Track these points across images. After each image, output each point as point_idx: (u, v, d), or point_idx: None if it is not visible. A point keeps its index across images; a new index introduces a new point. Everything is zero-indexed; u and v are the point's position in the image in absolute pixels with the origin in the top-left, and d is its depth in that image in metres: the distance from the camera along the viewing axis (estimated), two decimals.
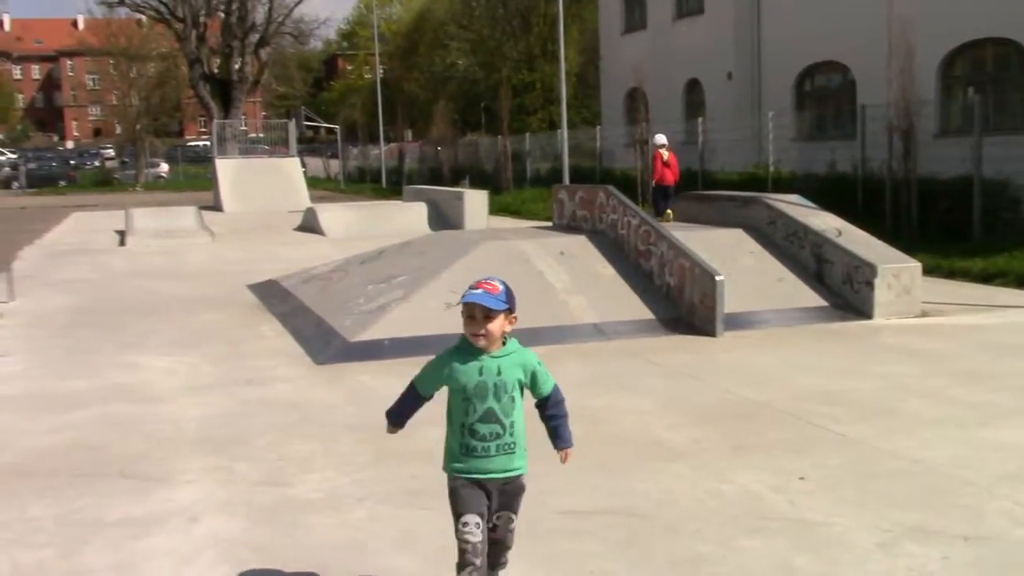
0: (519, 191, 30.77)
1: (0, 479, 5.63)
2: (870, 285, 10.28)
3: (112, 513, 5.04)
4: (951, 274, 13.25)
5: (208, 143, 44.76)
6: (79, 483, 5.52)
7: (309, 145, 66.20)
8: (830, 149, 19.72)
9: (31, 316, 11.54)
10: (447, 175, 36.83)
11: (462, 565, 3.51)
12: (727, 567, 4.27)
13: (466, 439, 3.51)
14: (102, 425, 6.74)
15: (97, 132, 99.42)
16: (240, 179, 30.12)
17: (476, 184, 29.66)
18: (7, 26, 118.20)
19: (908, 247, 12.07)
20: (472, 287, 3.45)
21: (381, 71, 52.94)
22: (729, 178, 21.56)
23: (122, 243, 20.60)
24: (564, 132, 26.32)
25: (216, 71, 40.81)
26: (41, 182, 51.88)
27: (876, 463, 5.62)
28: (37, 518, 5.00)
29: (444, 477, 3.63)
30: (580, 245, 11.44)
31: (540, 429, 3.76)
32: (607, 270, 10.93)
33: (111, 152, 68.51)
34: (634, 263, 11.04)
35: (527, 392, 3.64)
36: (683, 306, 10.09)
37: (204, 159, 52.98)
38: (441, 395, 3.65)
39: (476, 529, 3.48)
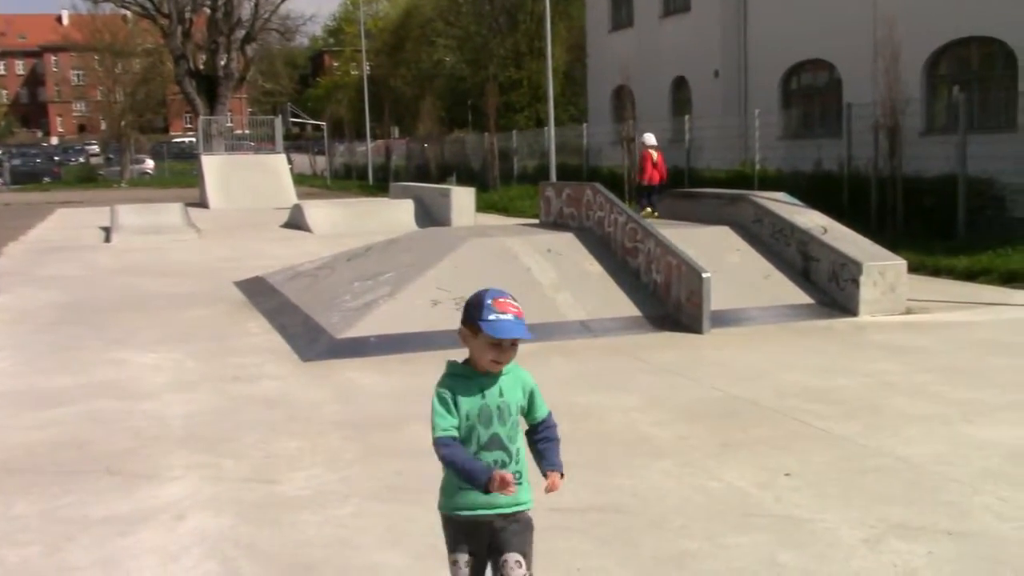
0: (506, 188, 30.78)
1: None
2: (856, 283, 10.32)
3: (98, 510, 5.02)
4: (936, 272, 13.32)
5: (194, 139, 44.60)
6: (64, 480, 5.50)
7: (295, 142, 66.03)
8: (816, 147, 19.79)
9: (16, 312, 11.48)
10: (434, 172, 36.81)
11: None
12: (713, 563, 4.28)
13: None
14: (88, 422, 6.72)
15: (82, 128, 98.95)
16: (226, 176, 30.02)
17: (463, 181, 29.66)
18: None
19: (893, 245, 12.12)
20: (494, 308, 2.96)
21: (368, 68, 52.80)
22: (716, 176, 21.61)
23: (107, 240, 20.51)
24: (551, 129, 26.33)
25: (202, 67, 40.68)
26: (25, 178, 51.66)
27: (861, 460, 5.65)
28: (22, 515, 4.98)
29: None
30: (567, 242, 11.45)
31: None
32: (594, 267, 10.95)
33: (96, 148, 68.26)
34: (621, 260, 11.06)
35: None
36: (670, 303, 10.11)
37: (190, 156, 52.82)
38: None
39: (466, 568, 3.11)
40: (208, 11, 40.92)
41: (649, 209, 14.71)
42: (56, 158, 67.43)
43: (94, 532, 4.73)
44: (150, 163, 61.65)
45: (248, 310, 11.33)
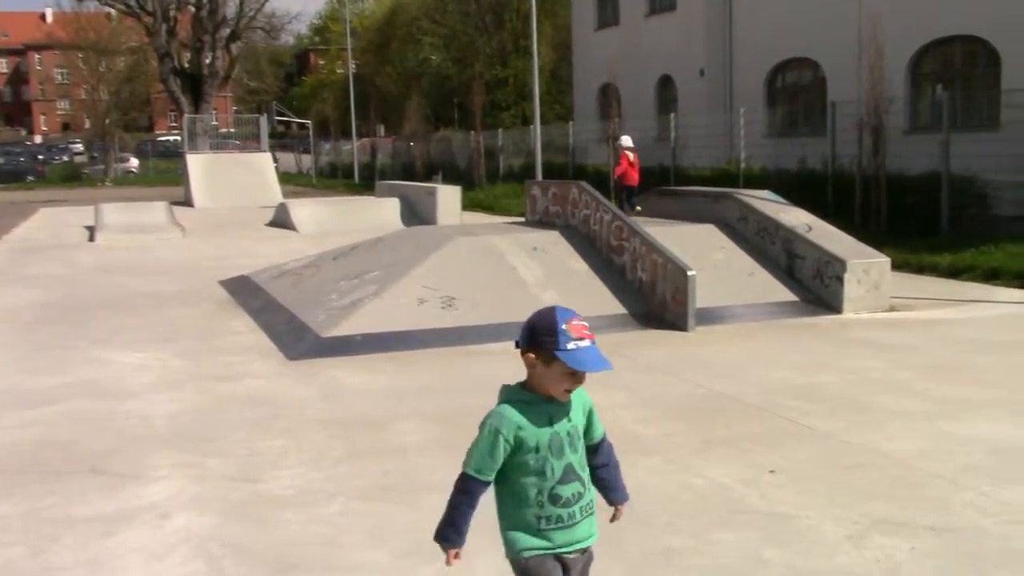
0: (492, 187, 30.77)
1: None
2: (840, 280, 10.37)
3: (82, 510, 5.00)
4: (920, 269, 13.39)
5: (178, 138, 44.33)
6: (48, 480, 5.47)
7: (281, 140, 65.82)
8: (801, 145, 19.87)
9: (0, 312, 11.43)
10: (420, 171, 36.77)
11: None
12: (699, 559, 4.30)
13: (547, 509, 2.76)
14: (72, 421, 6.69)
15: (66, 127, 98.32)
16: (211, 174, 29.91)
17: (449, 180, 29.62)
18: None
19: (877, 242, 12.17)
20: (571, 335, 2.65)
21: (353, 66, 52.70)
22: (701, 174, 21.67)
23: (91, 239, 20.40)
24: (537, 128, 26.34)
25: (186, 65, 40.48)
26: (8, 177, 51.34)
27: (845, 456, 5.68)
28: (5, 516, 4.96)
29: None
30: (553, 240, 11.46)
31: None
32: (580, 265, 10.96)
33: (80, 147, 67.88)
34: (606, 258, 11.08)
35: None
36: (655, 301, 10.13)
37: (174, 154, 52.61)
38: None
39: None
40: (193, 9, 40.72)
41: (639, 208, 14.76)
42: (40, 157, 67.00)
43: (78, 532, 4.71)
44: (135, 162, 61.37)
45: (233, 309, 11.29)
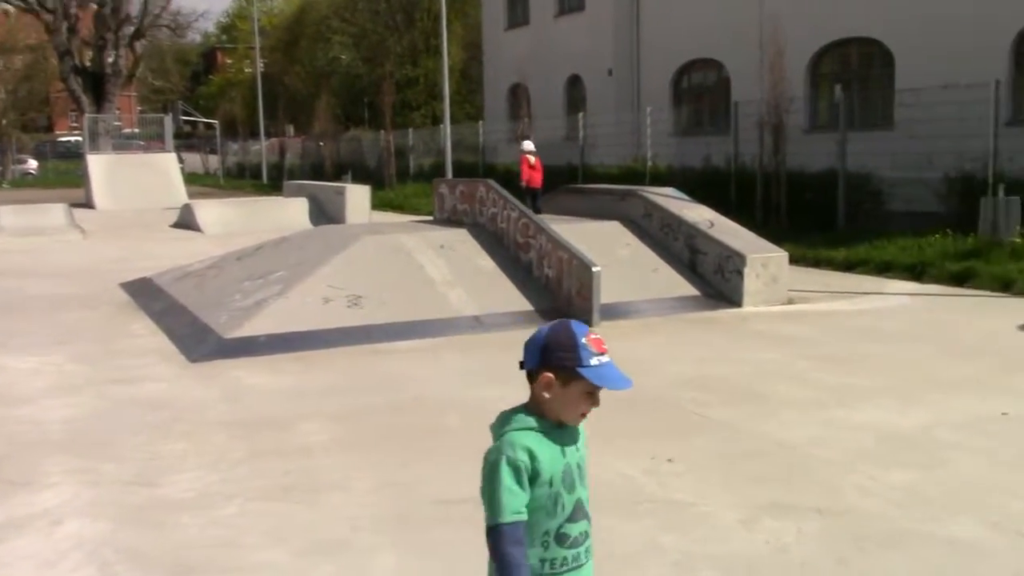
0: (402, 186, 30.68)
1: None
2: (740, 274, 10.62)
3: None
4: (817, 263, 13.80)
5: (79, 138, 43.13)
6: None
7: (187, 140, 64.50)
8: (705, 144, 20.26)
9: None
10: (329, 171, 36.42)
11: None
12: (598, 548, 4.34)
13: (552, 551, 2.40)
14: None
15: None
16: (113, 175, 29.14)
17: (359, 179, 29.38)
18: None
19: (777, 238, 12.50)
20: (592, 349, 2.33)
21: (261, 65, 51.91)
22: (608, 172, 21.93)
23: None
24: (447, 127, 26.35)
25: (88, 64, 39.36)
26: None
27: (741, 444, 5.83)
28: None
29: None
30: (461, 238, 11.49)
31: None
32: (487, 263, 11.01)
33: None
34: (514, 256, 11.15)
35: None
36: (561, 297, 10.24)
37: (75, 155, 51.07)
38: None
39: None
40: (95, 6, 39.64)
41: (542, 212, 14.94)
42: None
43: None
44: (33, 163, 59.39)
45: (134, 311, 11.05)
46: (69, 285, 13.29)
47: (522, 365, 2.40)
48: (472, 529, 4.59)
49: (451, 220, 13.03)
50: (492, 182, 12.34)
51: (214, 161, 55.21)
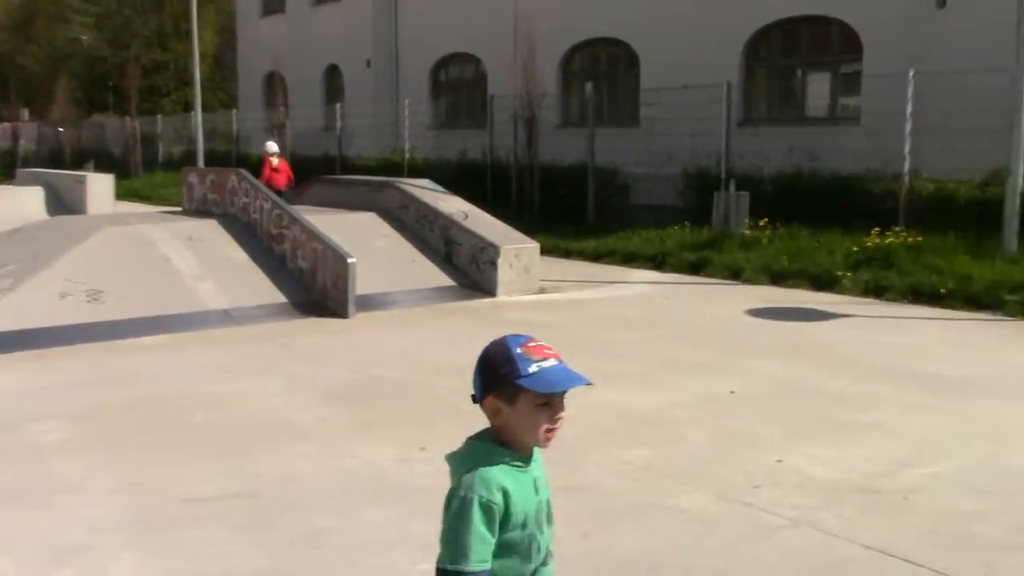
0: (150, 175, 29.33)
1: None
2: (493, 265, 10.88)
3: None
4: (567, 254, 14.35)
5: None
6: None
7: None
8: (463, 137, 20.57)
9: None
10: (69, 158, 34.23)
11: None
12: (345, 538, 4.37)
13: None
14: None
15: None
16: None
17: (102, 168, 27.77)
18: None
19: (530, 229, 12.89)
20: (529, 356, 2.13)
21: None
22: (367, 163, 21.85)
23: None
24: (198, 114, 25.30)
25: None
26: None
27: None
28: None
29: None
30: (210, 229, 11.11)
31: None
32: (239, 254, 10.70)
33: None
34: (267, 247, 10.90)
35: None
36: (316, 289, 10.11)
37: None
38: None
39: None
40: None
41: None
42: None
43: None
44: None
45: None
46: None
47: (474, 399, 2.19)
48: (223, 527, 4.50)
49: (200, 211, 12.57)
50: (244, 171, 12.01)
51: None
